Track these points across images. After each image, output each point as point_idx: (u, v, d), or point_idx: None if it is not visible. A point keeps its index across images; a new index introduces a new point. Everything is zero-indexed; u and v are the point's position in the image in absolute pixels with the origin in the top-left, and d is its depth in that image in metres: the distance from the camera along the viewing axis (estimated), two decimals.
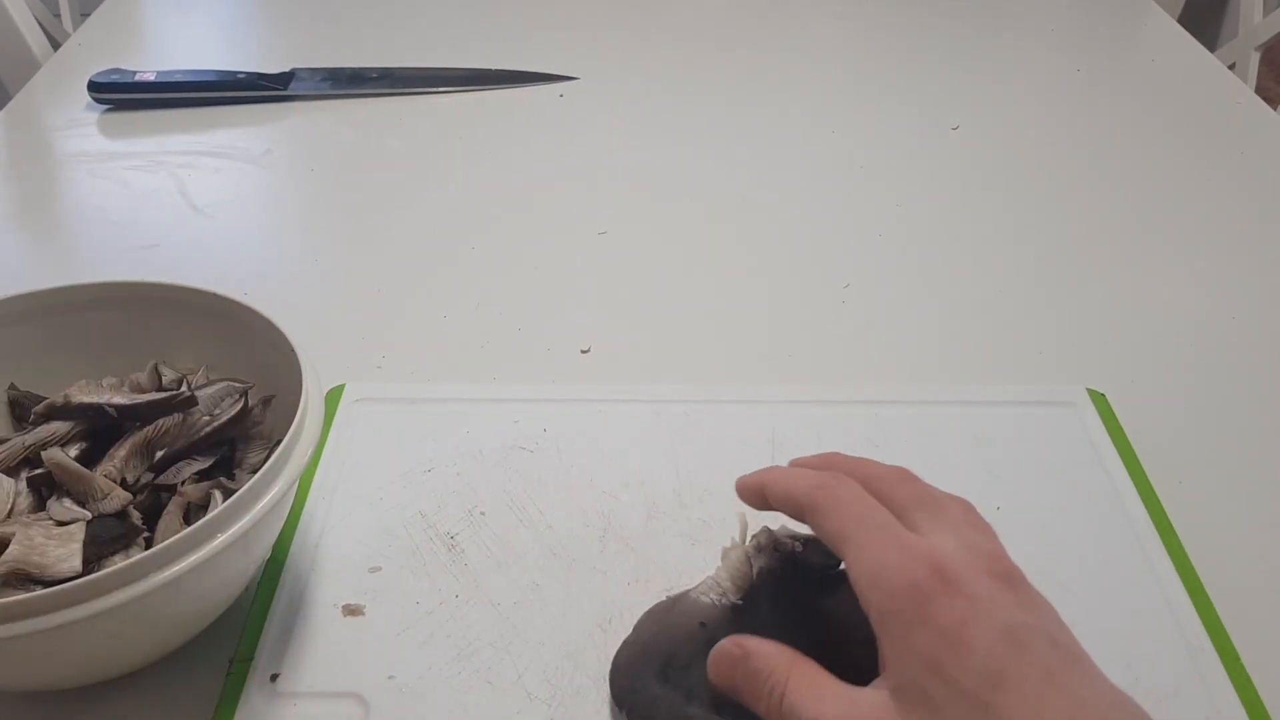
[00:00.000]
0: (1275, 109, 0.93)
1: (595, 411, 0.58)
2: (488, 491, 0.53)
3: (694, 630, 0.42)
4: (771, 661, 0.37)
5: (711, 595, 0.43)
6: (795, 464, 0.44)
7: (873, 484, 0.40)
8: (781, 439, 0.56)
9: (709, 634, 0.42)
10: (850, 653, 0.38)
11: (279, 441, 0.43)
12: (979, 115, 0.92)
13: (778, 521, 0.43)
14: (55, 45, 1.08)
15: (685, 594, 0.44)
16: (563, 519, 0.52)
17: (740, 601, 0.42)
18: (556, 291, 0.70)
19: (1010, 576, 0.36)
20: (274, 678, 0.45)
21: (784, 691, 0.36)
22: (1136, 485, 0.53)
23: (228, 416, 0.49)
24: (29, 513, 0.45)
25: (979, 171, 0.84)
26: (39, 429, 0.47)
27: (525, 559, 0.50)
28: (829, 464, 0.43)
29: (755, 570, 0.42)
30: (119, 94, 0.91)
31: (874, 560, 0.36)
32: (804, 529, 0.42)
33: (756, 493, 0.42)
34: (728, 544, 0.44)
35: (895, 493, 0.40)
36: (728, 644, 0.39)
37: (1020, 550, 0.50)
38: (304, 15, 1.10)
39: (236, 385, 0.50)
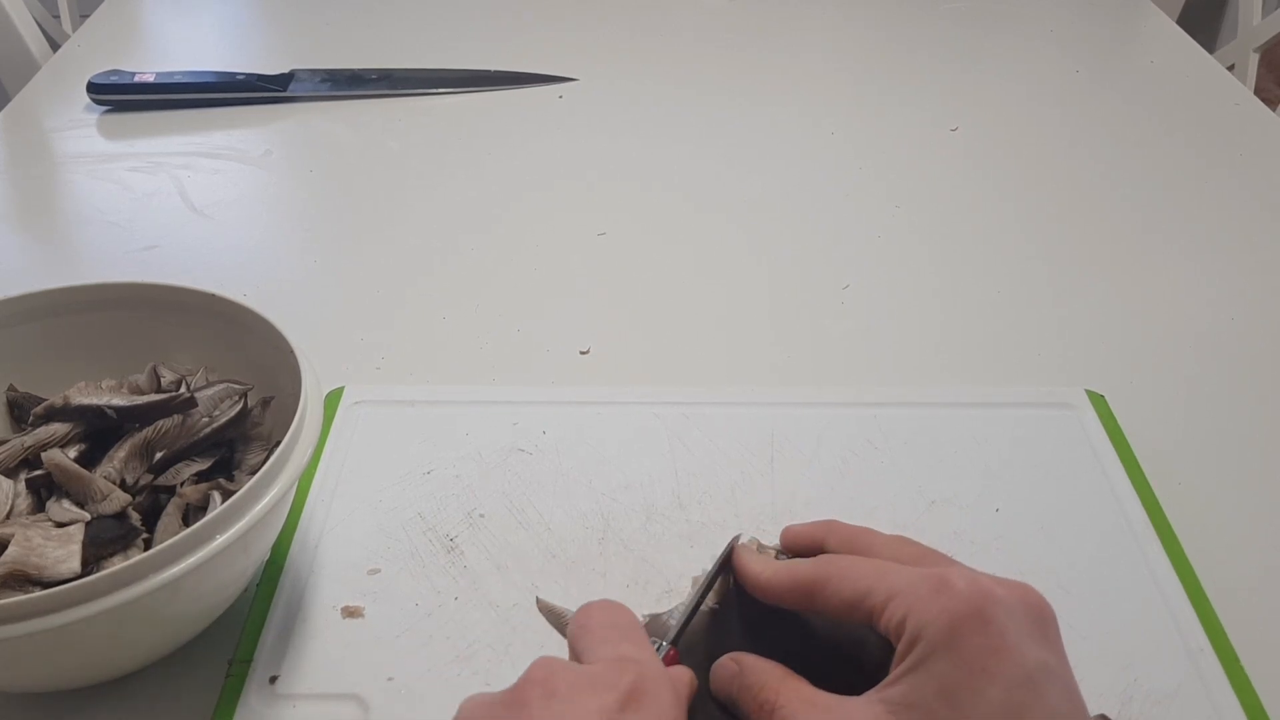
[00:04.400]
0: (1274, 110, 0.93)
1: (594, 413, 0.58)
2: (487, 493, 0.53)
3: None
4: (763, 677, 0.37)
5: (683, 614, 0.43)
6: (789, 529, 0.44)
7: (876, 550, 0.40)
8: (781, 441, 0.56)
9: (683, 644, 0.42)
10: (823, 664, 0.38)
11: (278, 443, 0.43)
12: (978, 116, 0.92)
13: (769, 538, 0.44)
14: (54, 46, 1.08)
15: (657, 616, 0.44)
16: (562, 521, 0.52)
17: (717, 607, 0.43)
18: (556, 293, 0.70)
19: (1042, 611, 0.36)
20: (273, 679, 0.45)
21: (774, 707, 0.36)
22: (1135, 487, 0.53)
23: (227, 418, 0.49)
24: (28, 514, 0.45)
25: (978, 173, 0.84)
26: (38, 430, 0.47)
27: (524, 561, 0.50)
28: (829, 528, 0.43)
29: (732, 580, 0.43)
30: (118, 95, 0.91)
31: (907, 597, 0.35)
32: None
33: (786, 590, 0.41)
34: (698, 574, 0.44)
35: (900, 553, 0.39)
36: (725, 659, 0.39)
37: (1019, 552, 0.50)
38: (303, 16, 1.10)
39: (236, 387, 0.50)
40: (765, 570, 0.41)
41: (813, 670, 0.38)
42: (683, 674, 0.38)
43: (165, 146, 0.87)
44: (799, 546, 0.44)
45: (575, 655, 0.37)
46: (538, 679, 0.34)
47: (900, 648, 0.35)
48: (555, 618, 0.47)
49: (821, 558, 0.40)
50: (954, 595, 0.34)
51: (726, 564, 0.44)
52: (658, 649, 0.38)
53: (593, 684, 0.34)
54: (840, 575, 0.38)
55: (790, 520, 0.51)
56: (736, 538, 0.44)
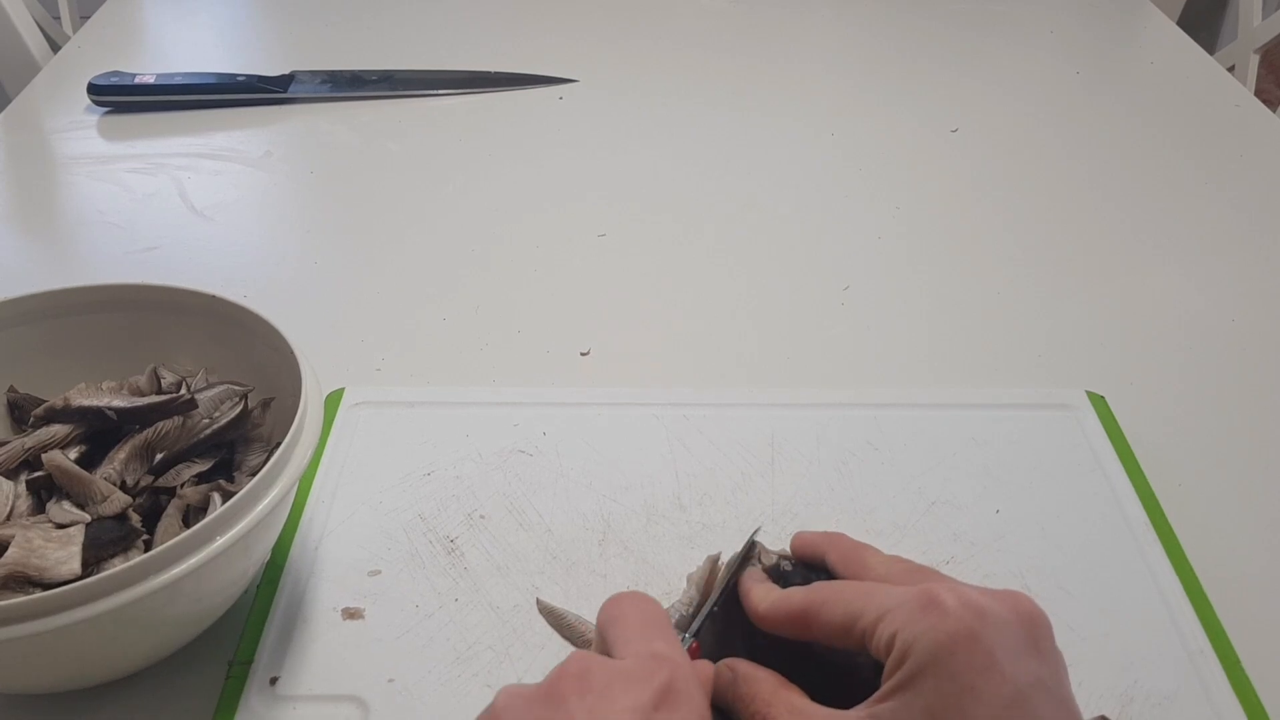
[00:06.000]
0: (1274, 111, 0.93)
1: (595, 414, 0.58)
2: (487, 495, 0.53)
3: None
4: (756, 686, 0.37)
5: (680, 611, 0.43)
6: (800, 535, 0.44)
7: (870, 568, 0.40)
8: (780, 441, 0.56)
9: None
10: (818, 675, 0.38)
11: (278, 444, 0.43)
12: (978, 118, 0.92)
13: (769, 539, 0.44)
14: (55, 48, 1.08)
15: None
16: (562, 522, 0.52)
17: (718, 610, 0.43)
18: (556, 294, 0.70)
19: (1034, 621, 0.35)
20: (273, 681, 0.45)
21: (766, 718, 0.36)
22: (1136, 488, 0.53)
23: (227, 419, 0.49)
24: (28, 515, 0.45)
25: (978, 174, 0.84)
26: (39, 432, 0.47)
27: (525, 562, 0.50)
28: (830, 541, 0.43)
29: (733, 584, 0.43)
30: (119, 96, 0.91)
31: (896, 615, 0.35)
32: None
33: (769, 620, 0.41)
34: (692, 571, 0.44)
35: (893, 571, 0.39)
36: (720, 666, 0.39)
37: (1019, 553, 0.50)
38: (304, 18, 1.10)
39: (236, 388, 0.50)
40: (763, 602, 0.40)
41: (808, 681, 0.38)
42: (706, 669, 0.38)
43: (165, 148, 0.87)
44: (804, 553, 0.44)
45: (605, 646, 0.37)
46: (574, 672, 0.34)
47: (889, 664, 0.35)
48: (555, 619, 0.47)
49: (814, 585, 0.39)
50: (943, 613, 0.34)
51: (740, 563, 0.43)
52: (681, 642, 0.38)
53: (627, 680, 0.34)
54: (831, 600, 0.38)
55: (790, 521, 0.51)
56: (754, 535, 0.44)
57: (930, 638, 0.34)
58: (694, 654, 0.39)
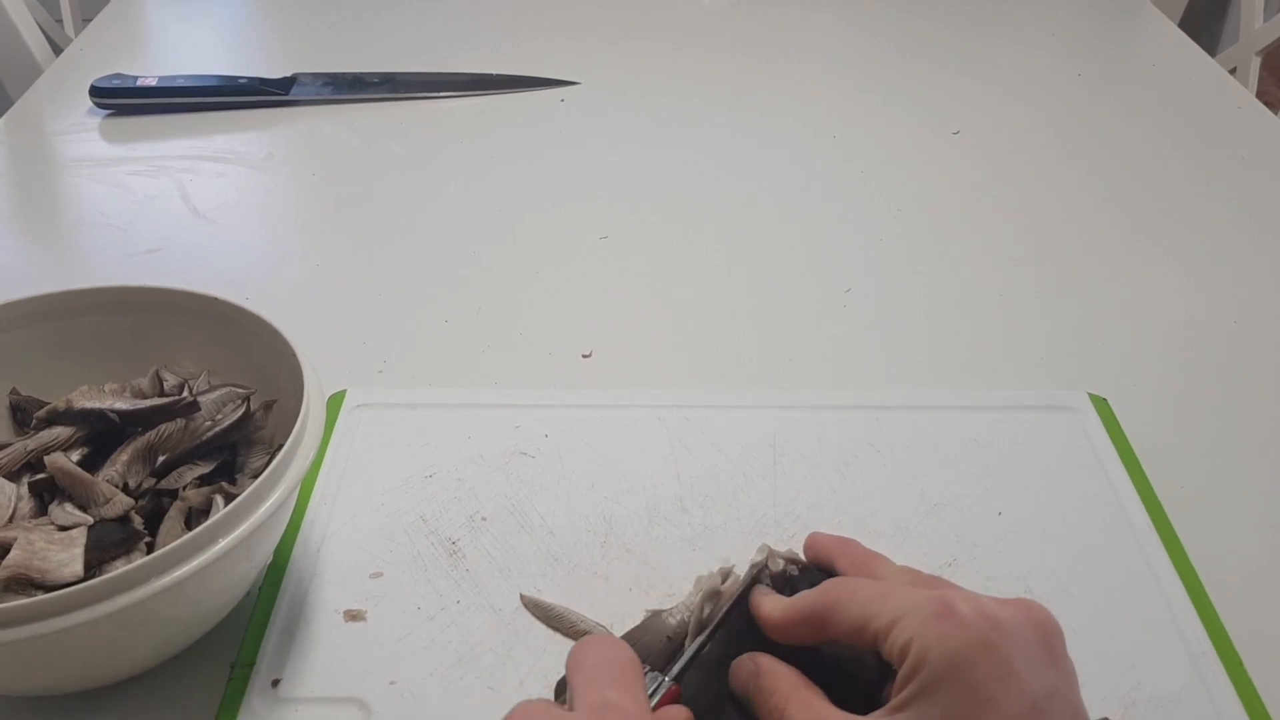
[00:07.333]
0: (1276, 113, 0.93)
1: (597, 416, 0.58)
2: (489, 497, 0.53)
3: (661, 645, 0.42)
4: (777, 681, 0.37)
5: (683, 614, 0.43)
6: (813, 536, 0.44)
7: (881, 577, 0.39)
8: (782, 444, 0.56)
9: (675, 646, 0.42)
10: (826, 676, 0.38)
11: (280, 446, 0.43)
12: (980, 120, 0.92)
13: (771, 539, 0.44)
14: (57, 50, 1.08)
15: (658, 614, 0.44)
16: (564, 524, 0.52)
17: (704, 649, 0.42)
18: (558, 296, 0.70)
19: (1047, 629, 0.35)
20: (275, 683, 0.45)
21: (784, 715, 0.36)
22: (1138, 490, 0.53)
23: (229, 421, 0.49)
24: (31, 517, 0.45)
25: (980, 176, 0.84)
26: (41, 434, 0.48)
27: (526, 564, 0.50)
28: (843, 546, 0.42)
29: (740, 587, 0.43)
30: (121, 99, 0.91)
31: (911, 621, 0.35)
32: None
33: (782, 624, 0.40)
34: (702, 574, 0.44)
35: (903, 581, 0.39)
36: (745, 658, 0.39)
37: (1022, 555, 0.50)
38: (306, 20, 1.10)
39: (238, 390, 0.50)
40: (775, 610, 0.40)
41: (816, 680, 0.38)
42: (676, 715, 0.37)
43: (167, 150, 0.87)
44: (816, 554, 0.44)
45: (570, 693, 0.36)
46: None
47: (903, 672, 0.35)
48: (543, 612, 0.47)
49: (826, 583, 0.39)
50: (958, 621, 0.34)
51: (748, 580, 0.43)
52: (658, 685, 0.38)
53: None
54: (846, 600, 0.38)
55: (793, 523, 0.51)
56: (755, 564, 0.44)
57: (946, 647, 0.34)
58: (673, 696, 0.38)
